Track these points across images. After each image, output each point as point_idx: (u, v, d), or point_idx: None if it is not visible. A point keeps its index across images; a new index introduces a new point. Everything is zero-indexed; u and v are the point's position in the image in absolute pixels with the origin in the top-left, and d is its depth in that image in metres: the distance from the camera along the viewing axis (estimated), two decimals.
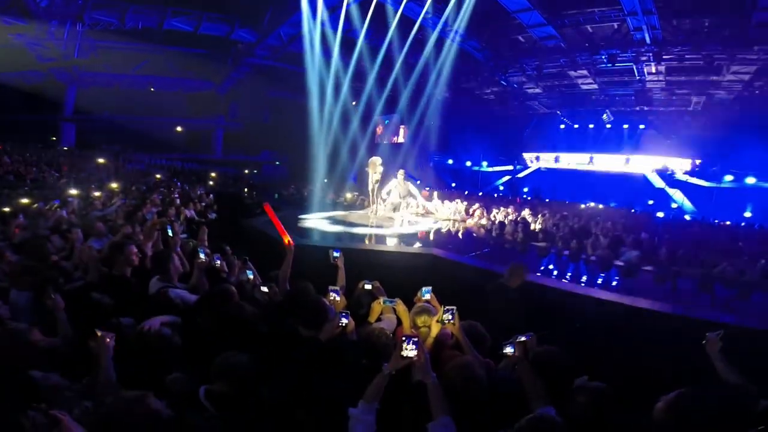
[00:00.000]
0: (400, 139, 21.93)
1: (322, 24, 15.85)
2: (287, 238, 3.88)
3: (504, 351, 2.43)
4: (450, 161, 25.75)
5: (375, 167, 11.48)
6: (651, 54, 15.92)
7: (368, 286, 3.37)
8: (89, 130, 24.89)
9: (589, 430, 1.94)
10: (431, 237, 9.68)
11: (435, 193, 13.65)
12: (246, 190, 18.41)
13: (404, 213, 11.74)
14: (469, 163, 24.99)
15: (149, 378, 2.15)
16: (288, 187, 19.51)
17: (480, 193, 21.03)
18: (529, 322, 2.92)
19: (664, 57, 15.84)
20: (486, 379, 2.16)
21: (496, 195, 21.60)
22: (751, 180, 17.08)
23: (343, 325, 2.72)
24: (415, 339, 2.09)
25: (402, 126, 21.22)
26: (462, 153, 24.66)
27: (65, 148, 23.15)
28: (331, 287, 3.32)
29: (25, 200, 7.09)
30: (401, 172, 11.97)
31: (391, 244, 8.79)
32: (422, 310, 2.99)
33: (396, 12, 15.66)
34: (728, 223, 14.65)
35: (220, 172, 23.13)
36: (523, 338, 2.45)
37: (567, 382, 2.20)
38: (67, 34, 16.57)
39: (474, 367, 2.18)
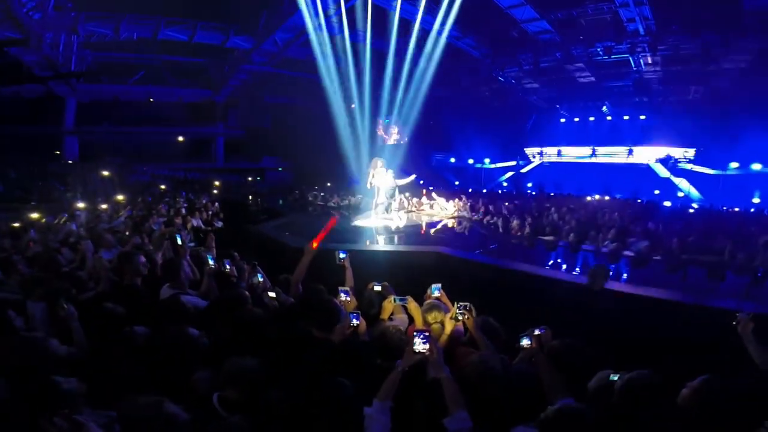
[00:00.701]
0: (401, 139, 21.91)
1: (320, 28, 15.88)
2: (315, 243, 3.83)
3: (521, 343, 2.42)
4: (452, 159, 25.73)
5: (376, 169, 11.47)
6: (646, 44, 15.90)
7: (378, 288, 3.37)
8: (91, 142, 25.01)
9: (617, 419, 1.92)
10: (432, 232, 9.69)
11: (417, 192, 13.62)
12: (250, 197, 18.43)
13: (394, 212, 11.63)
14: (471, 161, 24.95)
15: (175, 379, 2.16)
16: (292, 192, 19.54)
17: (484, 190, 20.99)
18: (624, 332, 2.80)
19: (659, 47, 15.82)
20: (503, 373, 2.15)
21: (500, 191, 21.54)
22: (757, 166, 16.95)
23: (355, 325, 2.72)
24: (426, 333, 2.09)
25: (402, 126, 21.21)
26: (464, 151, 24.61)
27: (69, 162, 23.25)
28: (341, 288, 3.32)
29: (34, 215, 7.15)
30: (389, 171, 11.78)
31: (398, 243, 8.81)
32: (432, 306, 2.99)
33: (391, 13, 15.71)
34: (737, 209, 14.53)
35: (224, 180, 23.18)
36: (537, 331, 2.45)
37: (585, 374, 2.19)
38: (63, 46, 16.61)
39: (490, 362, 2.17)
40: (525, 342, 2.41)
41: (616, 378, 2.19)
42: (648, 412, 1.85)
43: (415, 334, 2.09)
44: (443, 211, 12.55)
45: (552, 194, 18.93)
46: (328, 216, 12.42)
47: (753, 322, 2.46)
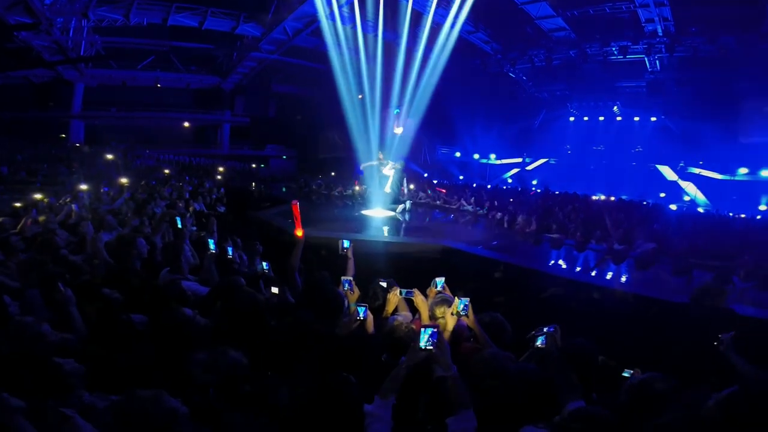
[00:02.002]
0: (406, 131, 21.73)
1: (333, 17, 15.71)
2: (299, 230, 3.80)
3: (536, 344, 2.33)
4: (458, 154, 25.56)
5: (380, 160, 11.46)
6: (663, 46, 15.66)
7: (383, 284, 3.28)
8: (97, 126, 25.09)
9: (634, 423, 1.86)
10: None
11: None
12: (254, 184, 18.41)
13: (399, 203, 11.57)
14: (476, 156, 24.78)
15: (173, 361, 2.11)
16: (296, 180, 19.51)
17: (488, 186, 20.85)
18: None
19: (676, 48, 15.58)
20: (515, 372, 2.07)
21: (504, 187, 21.39)
22: (766, 173, 16.73)
23: (362, 319, 2.64)
24: (434, 330, 1.99)
25: (408, 119, 21.03)
26: (470, 145, 24.45)
27: (77, 145, 23.31)
28: (344, 278, 3.24)
29: (37, 195, 7.11)
30: (392, 163, 11.63)
31: (402, 235, 8.75)
32: (442, 300, 2.88)
33: (403, 4, 15.52)
34: (743, 216, 14.36)
35: (228, 167, 23.17)
36: (546, 329, 2.37)
37: (596, 374, 2.13)
38: (73, 31, 16.55)
39: (502, 360, 2.09)
40: (540, 342, 2.32)
41: (629, 374, 2.13)
42: (664, 419, 1.79)
43: (422, 330, 1.98)
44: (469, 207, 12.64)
45: (557, 192, 18.77)
46: (329, 205, 12.42)
47: (734, 343, 2.52)
